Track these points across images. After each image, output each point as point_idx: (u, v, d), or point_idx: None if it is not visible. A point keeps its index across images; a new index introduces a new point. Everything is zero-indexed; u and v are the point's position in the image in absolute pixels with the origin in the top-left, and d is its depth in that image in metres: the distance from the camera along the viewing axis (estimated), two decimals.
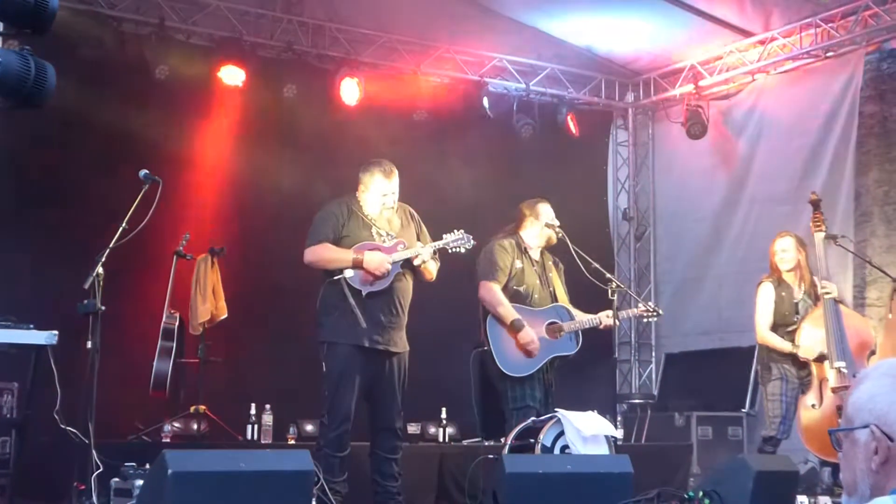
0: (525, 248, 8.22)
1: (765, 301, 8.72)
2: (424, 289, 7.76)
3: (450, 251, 7.51)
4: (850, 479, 2.38)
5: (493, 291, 7.97)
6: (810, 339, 8.52)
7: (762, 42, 11.95)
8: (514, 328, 7.89)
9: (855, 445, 2.35)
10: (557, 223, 8.24)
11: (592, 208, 13.21)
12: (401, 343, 7.42)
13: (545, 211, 8.29)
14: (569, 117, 12.63)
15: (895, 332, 8.86)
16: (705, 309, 12.54)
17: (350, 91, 11.13)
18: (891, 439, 2.28)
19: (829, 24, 11.27)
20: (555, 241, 8.25)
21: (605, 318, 8.09)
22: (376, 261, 7.21)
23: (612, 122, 13.92)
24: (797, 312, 8.71)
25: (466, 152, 11.70)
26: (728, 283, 11.90)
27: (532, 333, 7.92)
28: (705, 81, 12.57)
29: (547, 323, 8.06)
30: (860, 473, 2.34)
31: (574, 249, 8.05)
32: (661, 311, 8.44)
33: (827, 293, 8.54)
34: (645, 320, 9.20)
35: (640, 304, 8.45)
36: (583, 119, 12.92)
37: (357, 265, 7.19)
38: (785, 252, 8.78)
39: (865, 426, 2.32)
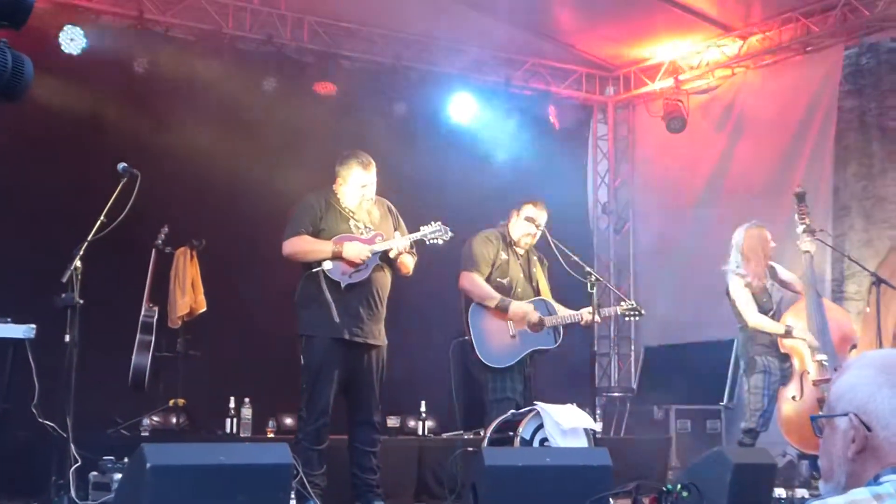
0: (511, 242, 8.23)
1: (741, 290, 8.74)
2: (403, 282, 7.77)
3: (427, 243, 7.50)
4: (828, 465, 2.43)
5: (474, 281, 7.99)
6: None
7: (742, 36, 12.00)
8: (502, 308, 7.90)
9: (834, 433, 2.39)
10: (539, 223, 8.19)
11: (572, 202, 13.21)
12: (380, 336, 7.42)
13: (528, 210, 8.25)
14: (550, 110, 12.68)
15: (873, 326, 8.89)
16: (684, 302, 12.57)
17: (329, 84, 11.13)
18: (868, 429, 2.32)
19: (809, 19, 11.32)
20: (529, 243, 8.25)
21: (587, 314, 8.07)
22: (355, 250, 7.20)
23: (593, 116, 13.95)
24: (771, 296, 8.76)
25: (446, 145, 11.71)
26: (707, 277, 11.90)
27: (523, 304, 7.95)
28: (685, 76, 12.62)
29: None
30: (837, 461, 2.38)
31: (553, 242, 8.05)
32: (643, 311, 8.42)
33: (806, 251, 8.63)
34: (626, 318, 9.19)
35: (622, 303, 8.43)
36: (563, 113, 12.95)
37: (336, 256, 7.19)
38: (772, 241, 8.82)
39: (845, 414, 2.36)
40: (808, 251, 8.70)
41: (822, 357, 8.40)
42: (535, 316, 7.98)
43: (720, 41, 12.21)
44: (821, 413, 2.48)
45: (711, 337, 11.72)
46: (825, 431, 2.45)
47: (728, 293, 8.84)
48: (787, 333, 8.56)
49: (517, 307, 7.94)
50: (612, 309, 8.51)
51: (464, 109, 12.06)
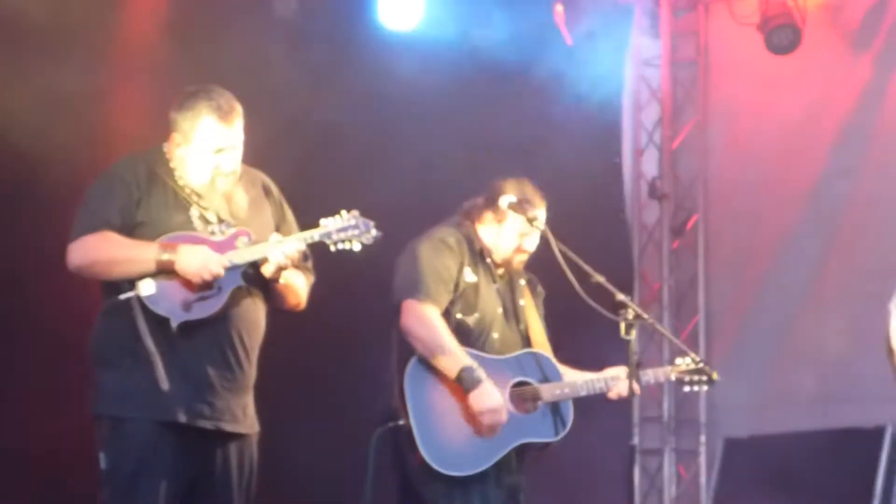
0: (482, 251, 8.13)
1: None
2: (290, 320, 7.70)
3: (333, 249, 7.34)
4: None
5: (424, 318, 7.84)
6: None
7: None
8: (463, 383, 7.79)
9: None
10: (540, 222, 8.13)
11: (593, 178, 13.18)
12: (244, 417, 7.34)
13: (520, 196, 8.19)
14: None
15: None
16: (792, 360, 12.61)
17: None
18: None
19: None
20: (524, 261, 8.20)
21: (619, 381, 8.00)
22: (198, 261, 7.00)
23: (633, 20, 13.91)
24: None
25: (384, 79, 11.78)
26: (834, 312, 11.96)
27: (495, 394, 7.82)
28: None
29: (512, 383, 8.00)
30: None
31: (559, 250, 7.97)
32: (715, 375, 8.39)
33: None
34: (689, 388, 9.14)
35: (678, 360, 8.40)
36: (579, 20, 12.94)
37: (164, 268, 7.02)
38: None
39: None
40: None
41: None
42: (502, 418, 7.83)
43: None
44: None
45: (844, 421, 11.75)
46: None
47: (889, 341, 8.85)
48: None
49: (482, 398, 7.79)
50: (663, 370, 8.49)
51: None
